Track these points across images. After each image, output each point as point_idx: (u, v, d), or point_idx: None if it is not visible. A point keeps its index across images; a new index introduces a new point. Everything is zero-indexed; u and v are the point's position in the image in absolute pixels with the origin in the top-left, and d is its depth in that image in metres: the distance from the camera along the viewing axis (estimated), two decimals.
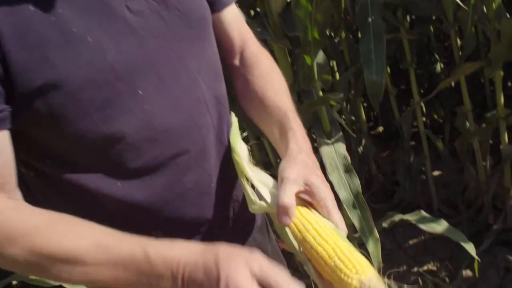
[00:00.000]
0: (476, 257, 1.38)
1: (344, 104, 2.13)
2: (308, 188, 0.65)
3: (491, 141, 1.94)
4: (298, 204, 0.65)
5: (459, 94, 2.14)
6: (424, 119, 2.35)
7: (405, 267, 1.91)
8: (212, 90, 0.74)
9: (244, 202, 0.83)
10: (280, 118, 0.74)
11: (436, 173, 2.21)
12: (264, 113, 0.77)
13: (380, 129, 2.82)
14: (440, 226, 1.42)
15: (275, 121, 0.74)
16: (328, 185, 0.67)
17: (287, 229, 0.65)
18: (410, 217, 1.45)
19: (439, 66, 2.29)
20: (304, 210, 0.65)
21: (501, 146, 1.74)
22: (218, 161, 0.75)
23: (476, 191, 1.97)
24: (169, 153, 0.68)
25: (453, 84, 2.27)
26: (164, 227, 0.69)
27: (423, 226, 1.41)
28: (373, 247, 1.31)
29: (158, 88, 0.65)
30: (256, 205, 0.69)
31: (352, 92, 2.18)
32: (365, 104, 2.47)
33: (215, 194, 0.75)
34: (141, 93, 0.63)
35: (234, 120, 0.78)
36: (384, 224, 1.51)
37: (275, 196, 0.66)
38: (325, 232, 0.62)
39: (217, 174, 0.75)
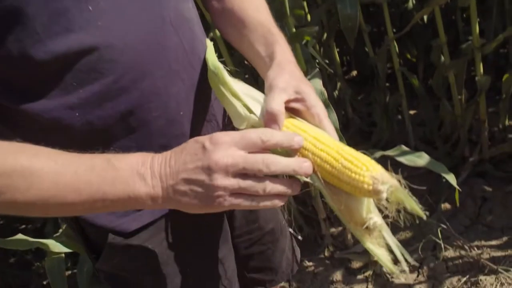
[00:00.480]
0: (457, 187, 1.39)
1: (318, 47, 2.07)
2: (298, 96, 0.61)
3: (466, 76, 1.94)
4: (288, 117, 0.60)
5: (432, 30, 2.12)
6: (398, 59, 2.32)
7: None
8: (179, 10, 0.67)
9: (216, 126, 0.78)
10: (264, 34, 0.69)
11: (412, 112, 2.21)
12: (245, 31, 0.71)
13: (354, 73, 2.79)
14: (421, 159, 1.41)
15: (258, 37, 0.69)
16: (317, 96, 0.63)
17: None
18: (391, 152, 1.43)
19: (411, 3, 2.24)
20: (295, 121, 0.61)
21: (476, 78, 1.73)
22: (189, 88, 0.69)
23: (452, 126, 1.99)
24: (130, 77, 0.61)
25: (425, 19, 2.24)
26: None
27: (404, 160, 1.40)
28: None
29: (111, 4, 0.58)
30: (245, 119, 0.63)
31: (325, 34, 2.12)
32: (337, 49, 2.42)
33: (184, 122, 0.70)
34: (91, 8, 0.56)
35: (209, 43, 0.72)
36: None
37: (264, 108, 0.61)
38: (324, 138, 0.57)
39: (187, 101, 0.69)
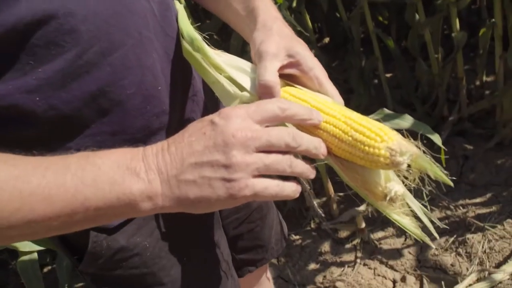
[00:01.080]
0: (442, 146, 1.35)
1: (289, 14, 1.99)
2: (292, 60, 0.53)
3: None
4: (284, 85, 0.53)
5: None
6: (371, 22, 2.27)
7: None
8: None
9: (201, 104, 0.70)
10: None
11: (388, 75, 2.17)
12: None
13: (326, 40, 2.72)
14: (405, 121, 1.37)
15: None
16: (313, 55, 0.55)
17: None
18: (374, 116, 1.38)
19: None
20: (293, 89, 0.54)
21: (453, 34, 1.69)
22: (164, 58, 0.60)
23: (430, 86, 1.96)
24: (97, 49, 0.52)
25: None
26: (104, 143, 0.55)
27: (388, 124, 1.34)
28: None
29: None
30: (235, 97, 0.55)
31: (295, 0, 2.04)
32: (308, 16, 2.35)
33: (164, 98, 0.61)
34: None
35: (180, 7, 0.62)
36: None
37: (255, 80, 0.53)
38: (328, 107, 0.50)
39: (164, 74, 0.60)
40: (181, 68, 0.63)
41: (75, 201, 0.43)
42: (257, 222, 0.87)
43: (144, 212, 0.46)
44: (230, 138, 0.44)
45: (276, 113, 0.46)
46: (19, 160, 0.44)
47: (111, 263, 0.64)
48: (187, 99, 0.66)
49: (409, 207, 0.52)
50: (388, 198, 0.49)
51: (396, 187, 0.49)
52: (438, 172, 0.48)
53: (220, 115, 0.46)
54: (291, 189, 0.48)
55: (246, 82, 0.55)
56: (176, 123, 0.64)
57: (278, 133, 0.45)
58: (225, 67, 0.56)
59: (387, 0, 2.02)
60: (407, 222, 0.51)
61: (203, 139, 0.45)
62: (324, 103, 0.52)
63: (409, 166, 0.47)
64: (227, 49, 1.92)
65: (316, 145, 0.48)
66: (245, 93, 0.55)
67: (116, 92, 0.55)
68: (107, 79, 0.54)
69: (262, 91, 0.52)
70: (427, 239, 0.52)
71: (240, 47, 1.52)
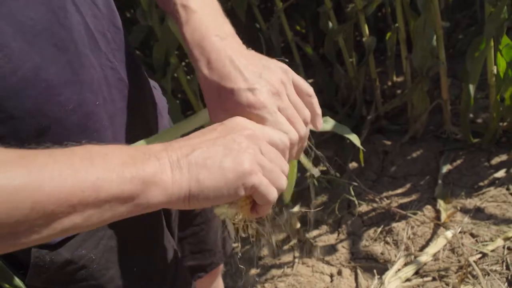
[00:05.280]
0: (361, 147, 1.45)
1: None
2: None
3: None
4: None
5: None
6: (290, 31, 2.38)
7: (299, 174, 1.99)
8: None
9: (150, 119, 0.69)
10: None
11: (310, 80, 2.27)
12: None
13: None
14: (327, 124, 1.44)
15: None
16: None
17: None
18: None
19: None
20: None
21: (364, 39, 1.82)
22: (101, 73, 0.59)
23: (348, 89, 2.08)
24: (30, 64, 0.49)
25: None
26: None
27: (311, 127, 1.42)
28: None
29: None
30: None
31: None
32: None
33: (102, 114, 0.59)
34: None
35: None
36: None
37: None
38: None
39: (102, 89, 0.59)
40: (119, 82, 0.63)
41: (86, 182, 0.38)
42: (202, 225, 0.87)
43: (153, 204, 0.43)
44: (239, 135, 0.47)
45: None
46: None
47: (58, 276, 0.62)
48: (125, 112, 0.65)
49: None
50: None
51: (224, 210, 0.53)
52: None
53: (229, 119, 0.49)
54: (274, 195, 0.49)
55: None
56: (117, 138, 0.63)
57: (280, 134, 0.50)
58: None
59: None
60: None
61: (215, 132, 0.47)
62: None
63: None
64: (151, 64, 1.90)
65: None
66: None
67: (54, 109, 0.53)
68: (43, 97, 0.52)
69: None
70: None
71: (163, 59, 1.51)
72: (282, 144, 0.50)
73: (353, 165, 1.96)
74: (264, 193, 0.47)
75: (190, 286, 0.81)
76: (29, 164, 0.38)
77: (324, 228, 1.76)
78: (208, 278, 0.96)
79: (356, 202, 1.74)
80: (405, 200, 1.75)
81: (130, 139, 0.62)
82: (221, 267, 1.04)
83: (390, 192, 1.80)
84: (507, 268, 1.41)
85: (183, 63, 2.11)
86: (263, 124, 0.51)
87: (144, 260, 0.70)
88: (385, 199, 1.77)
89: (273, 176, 0.48)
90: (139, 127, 0.68)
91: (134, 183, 0.41)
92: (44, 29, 0.51)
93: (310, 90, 0.58)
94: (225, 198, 0.45)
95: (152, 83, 0.76)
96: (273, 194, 0.48)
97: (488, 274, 1.40)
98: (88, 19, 0.57)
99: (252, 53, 0.56)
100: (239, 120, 0.49)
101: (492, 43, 1.55)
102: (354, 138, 1.48)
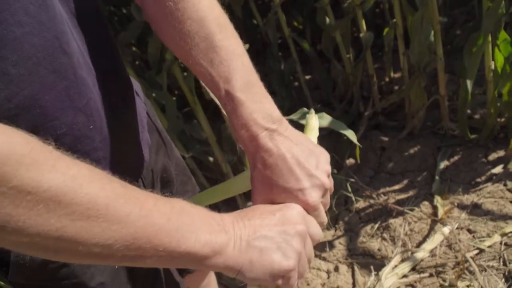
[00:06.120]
0: (358, 144, 1.44)
1: None
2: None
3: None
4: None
5: None
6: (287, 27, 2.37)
7: None
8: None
9: (134, 139, 0.69)
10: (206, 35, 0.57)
11: (307, 77, 2.26)
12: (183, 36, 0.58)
13: (246, 46, 2.77)
14: (323, 120, 1.43)
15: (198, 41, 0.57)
16: None
17: None
18: (294, 116, 1.44)
19: None
20: None
21: (361, 34, 1.81)
22: (97, 96, 0.58)
23: (345, 85, 2.08)
24: (28, 92, 0.49)
25: None
26: None
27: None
28: None
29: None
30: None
31: None
32: None
33: (95, 137, 0.58)
34: None
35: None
36: None
37: None
38: None
39: (99, 112, 0.58)
40: (115, 105, 0.62)
41: (175, 234, 0.46)
42: None
43: (211, 268, 0.50)
44: (294, 228, 0.53)
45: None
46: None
47: (40, 274, 0.61)
48: (119, 135, 0.64)
49: None
50: None
51: None
52: None
53: (287, 206, 0.55)
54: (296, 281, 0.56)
55: None
56: (108, 158, 0.62)
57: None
58: None
59: None
60: None
61: (274, 219, 0.53)
62: None
63: None
64: (146, 60, 1.89)
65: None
66: None
67: (46, 132, 0.52)
68: (36, 121, 0.51)
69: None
70: None
71: (158, 55, 1.50)
72: (318, 238, 0.57)
73: (350, 161, 1.95)
74: (292, 283, 0.54)
75: (177, 282, 0.80)
76: (143, 207, 0.45)
77: None
78: (199, 273, 0.95)
79: (353, 198, 1.73)
80: (402, 196, 1.74)
81: (119, 160, 0.63)
82: None
83: (387, 188, 1.79)
84: (504, 264, 1.40)
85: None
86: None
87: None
88: (382, 195, 1.76)
89: (304, 269, 0.55)
90: (129, 144, 0.68)
91: (206, 249, 0.48)
92: (47, 56, 0.50)
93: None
94: (264, 281, 0.52)
95: (135, 87, 0.75)
96: (297, 281, 0.55)
97: (485, 270, 1.40)
98: (81, 44, 0.56)
99: (300, 139, 0.60)
100: (295, 212, 0.55)
101: (489, 38, 1.54)
102: (350, 134, 1.48)
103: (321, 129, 1.85)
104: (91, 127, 0.58)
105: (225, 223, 0.50)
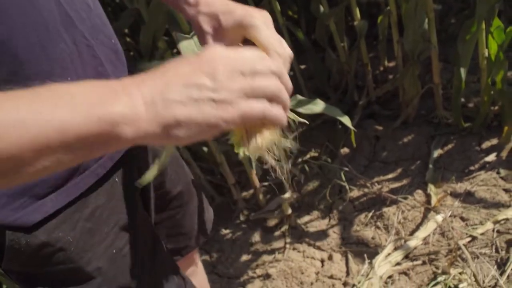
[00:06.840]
0: (353, 128, 1.44)
1: None
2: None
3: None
4: None
5: None
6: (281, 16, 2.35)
7: (290, 161, 1.98)
8: None
9: None
10: None
11: (302, 66, 2.25)
12: None
13: None
14: (317, 106, 1.43)
15: None
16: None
17: None
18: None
19: None
20: None
21: (355, 23, 1.80)
22: (73, 49, 0.58)
23: (339, 74, 2.07)
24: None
25: None
26: None
27: (301, 110, 1.41)
28: None
29: None
30: None
31: None
32: None
33: None
34: None
35: None
36: None
37: None
38: None
39: (73, 65, 0.58)
40: (92, 59, 0.62)
41: (51, 126, 0.38)
42: (178, 209, 0.86)
43: (126, 141, 0.41)
44: (216, 64, 0.44)
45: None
46: None
47: (34, 259, 0.61)
48: None
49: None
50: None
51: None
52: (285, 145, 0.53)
53: (205, 49, 0.46)
54: (278, 111, 0.47)
55: None
56: None
57: (264, 61, 0.47)
58: None
59: None
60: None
61: (189, 65, 0.44)
62: None
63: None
64: (140, 50, 1.87)
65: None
66: None
67: (20, 81, 0.52)
68: (9, 69, 0.51)
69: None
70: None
71: (150, 43, 1.49)
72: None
73: (344, 150, 1.95)
74: (256, 114, 0.46)
75: (171, 268, 0.80)
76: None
77: (315, 213, 1.76)
78: (185, 262, 0.95)
79: (347, 187, 1.73)
80: (396, 185, 1.75)
81: None
82: (197, 251, 1.04)
83: (381, 177, 1.80)
84: (497, 251, 1.41)
85: (175, 50, 2.09)
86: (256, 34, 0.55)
87: (122, 242, 0.69)
88: (376, 184, 1.77)
89: (265, 93, 0.46)
90: None
91: (102, 124, 0.39)
92: (14, 5, 0.50)
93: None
94: (207, 134, 0.44)
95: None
96: (270, 111, 0.47)
97: (478, 257, 1.41)
98: None
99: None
100: (224, 51, 0.46)
101: (483, 26, 1.54)
102: (346, 120, 1.47)
103: (315, 118, 1.85)
104: (68, 78, 0.57)
105: (125, 86, 0.42)
